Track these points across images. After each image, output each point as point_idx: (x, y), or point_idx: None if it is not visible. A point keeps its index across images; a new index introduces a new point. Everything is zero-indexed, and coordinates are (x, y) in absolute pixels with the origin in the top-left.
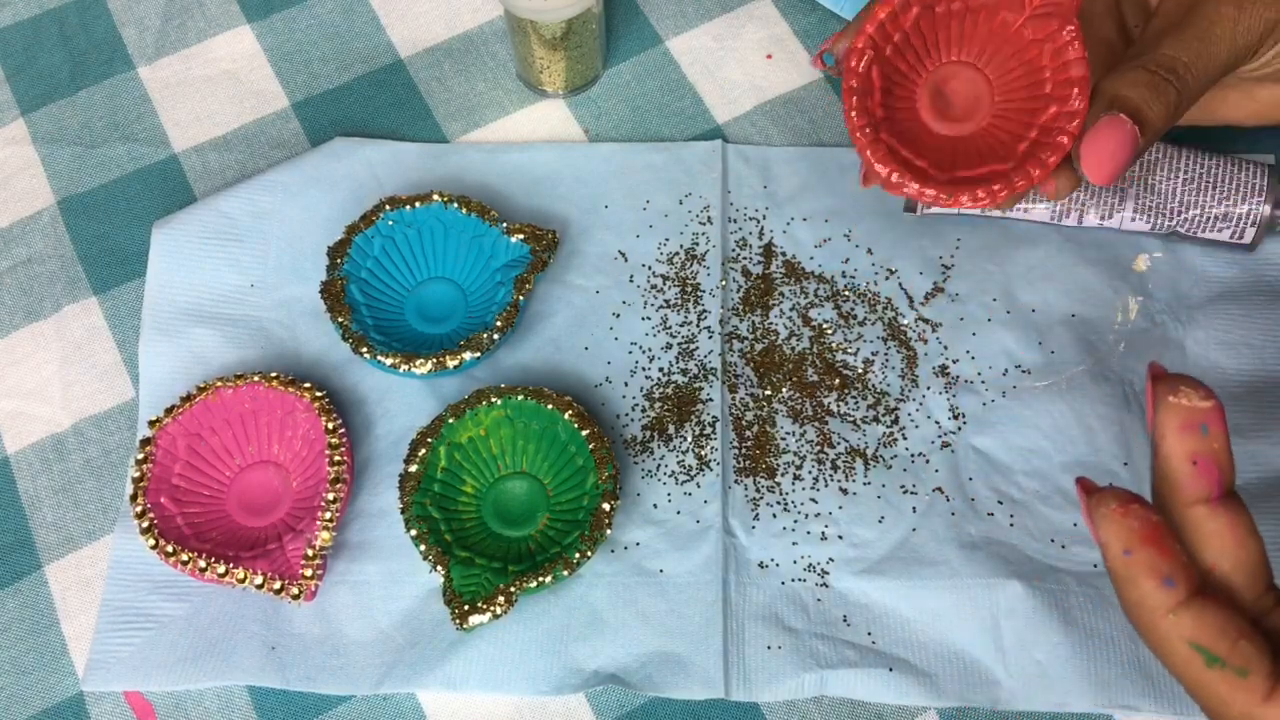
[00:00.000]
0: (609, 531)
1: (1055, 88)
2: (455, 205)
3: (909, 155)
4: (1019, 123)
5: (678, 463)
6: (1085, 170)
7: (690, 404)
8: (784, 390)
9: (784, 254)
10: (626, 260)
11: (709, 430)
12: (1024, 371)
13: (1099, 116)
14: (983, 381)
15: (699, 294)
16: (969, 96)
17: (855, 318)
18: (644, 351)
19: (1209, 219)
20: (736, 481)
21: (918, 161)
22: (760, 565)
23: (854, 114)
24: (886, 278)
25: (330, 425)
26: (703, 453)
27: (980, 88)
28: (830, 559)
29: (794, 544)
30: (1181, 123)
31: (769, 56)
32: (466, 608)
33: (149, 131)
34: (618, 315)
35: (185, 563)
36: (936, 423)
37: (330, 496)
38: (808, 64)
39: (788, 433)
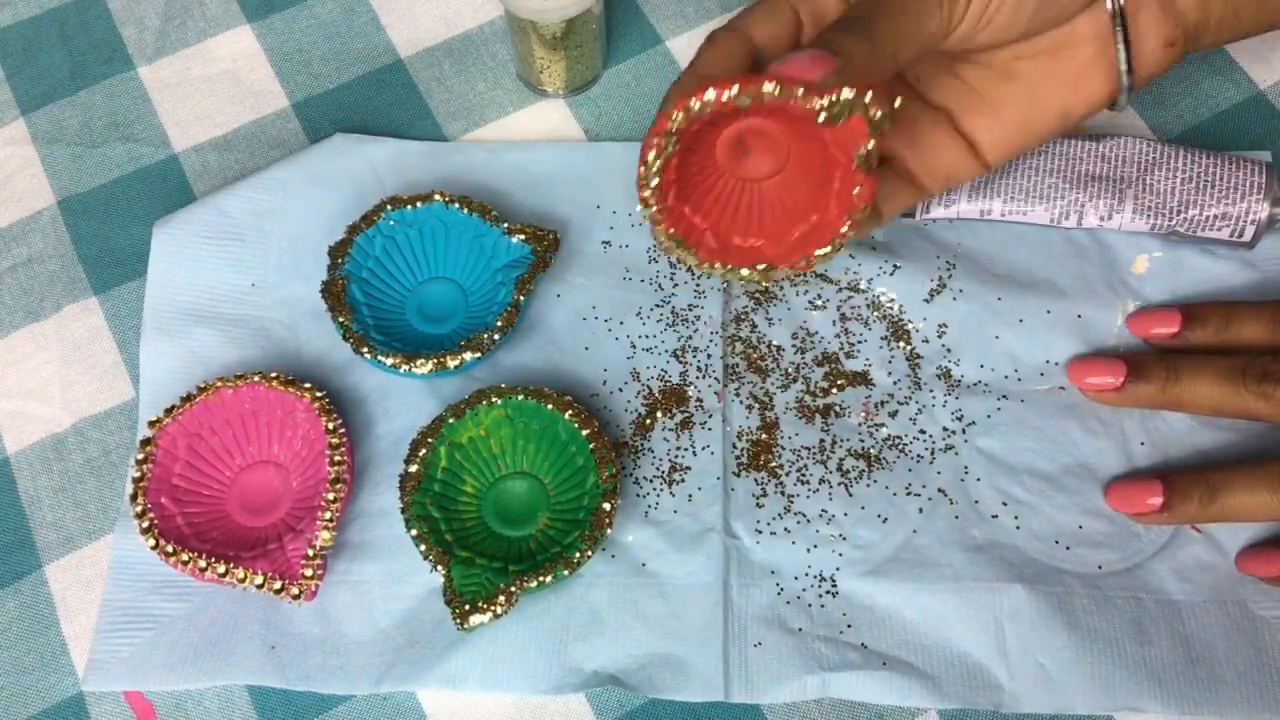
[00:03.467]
0: (609, 531)
1: (839, 195)
2: (456, 205)
3: (690, 212)
4: (799, 203)
5: (678, 463)
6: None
7: (691, 404)
8: (786, 391)
9: None
10: (627, 260)
11: (710, 431)
12: (1027, 373)
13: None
14: (985, 383)
15: (700, 294)
16: (767, 152)
17: (858, 318)
18: (645, 351)
19: (1208, 218)
20: (738, 483)
21: (698, 220)
22: (762, 567)
23: (650, 173)
24: (890, 274)
25: (330, 425)
26: (704, 454)
27: (779, 148)
28: (833, 561)
29: (796, 545)
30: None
31: None
32: (467, 607)
33: (149, 131)
34: (618, 316)
35: (185, 563)
36: (940, 424)
37: (330, 496)
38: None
39: (790, 434)
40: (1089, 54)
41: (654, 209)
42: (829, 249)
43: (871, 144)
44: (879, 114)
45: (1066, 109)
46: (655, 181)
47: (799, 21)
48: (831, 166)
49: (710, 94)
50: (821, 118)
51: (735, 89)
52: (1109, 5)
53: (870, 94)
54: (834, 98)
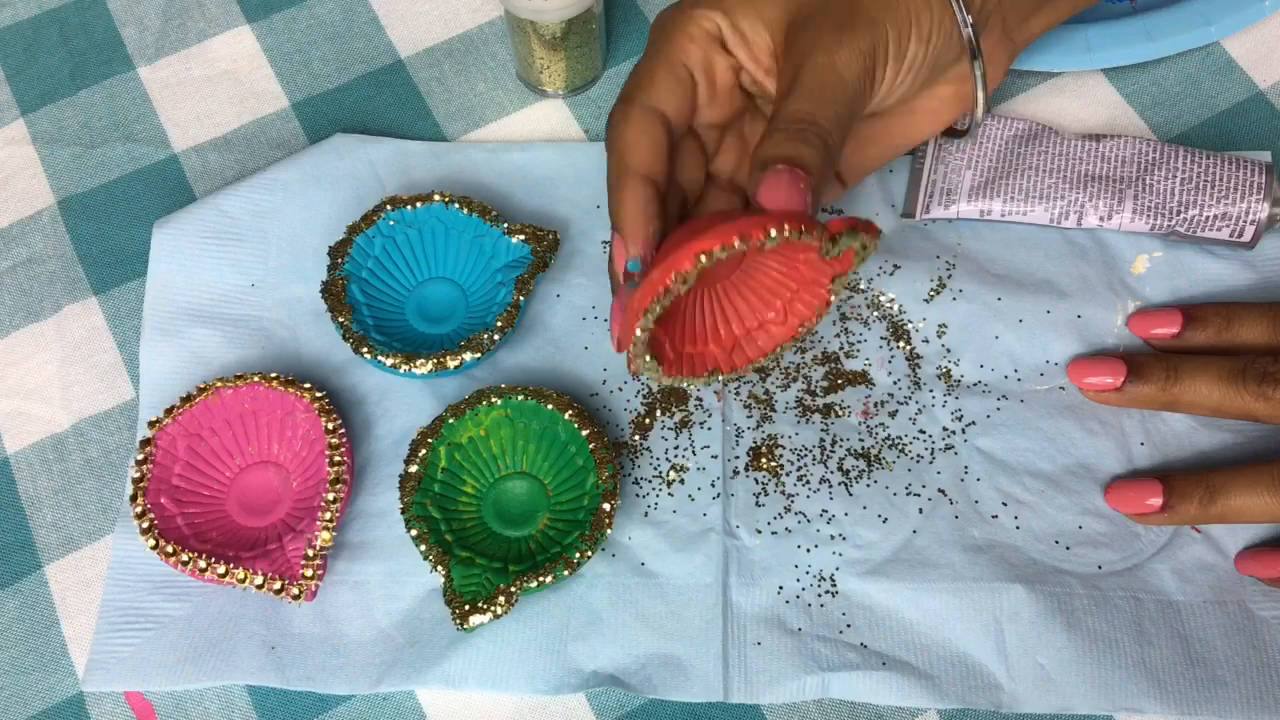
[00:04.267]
0: (609, 531)
1: (790, 305)
2: (456, 205)
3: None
4: (745, 308)
5: (678, 463)
6: (764, 202)
7: (691, 404)
8: (786, 391)
9: None
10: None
11: (709, 431)
12: (1026, 373)
13: (758, 180)
14: (985, 383)
15: None
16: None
17: (858, 318)
18: None
19: (1208, 218)
20: (738, 483)
21: (660, 333)
22: (762, 567)
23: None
24: (890, 274)
25: (330, 425)
26: (703, 454)
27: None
28: (833, 561)
29: (797, 546)
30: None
31: None
32: (467, 608)
33: (149, 131)
34: None
35: (185, 563)
36: (940, 424)
37: (330, 496)
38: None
39: (790, 434)
40: (950, 90)
41: (648, 362)
42: (769, 357)
43: (858, 268)
44: (869, 246)
45: (922, 136)
46: (647, 334)
47: (694, 80)
48: (788, 279)
49: (717, 250)
50: (825, 254)
51: (738, 242)
52: (970, 52)
53: (865, 232)
54: (837, 235)
